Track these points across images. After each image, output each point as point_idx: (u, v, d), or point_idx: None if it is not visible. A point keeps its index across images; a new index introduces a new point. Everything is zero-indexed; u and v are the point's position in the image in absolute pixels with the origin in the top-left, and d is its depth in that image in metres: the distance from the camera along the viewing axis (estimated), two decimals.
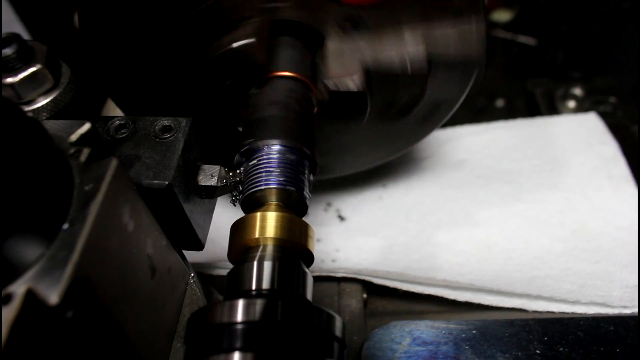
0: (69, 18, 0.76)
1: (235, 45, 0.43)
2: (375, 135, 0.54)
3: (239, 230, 0.37)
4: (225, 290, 0.36)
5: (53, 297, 0.25)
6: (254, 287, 0.33)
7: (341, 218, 0.62)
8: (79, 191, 0.29)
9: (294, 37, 0.45)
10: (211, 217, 0.41)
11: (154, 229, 0.34)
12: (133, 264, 0.32)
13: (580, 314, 0.51)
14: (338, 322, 0.33)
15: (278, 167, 0.38)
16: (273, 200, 0.37)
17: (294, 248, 0.36)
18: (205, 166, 0.39)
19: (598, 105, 0.74)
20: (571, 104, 0.75)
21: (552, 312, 0.51)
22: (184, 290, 0.40)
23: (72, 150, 0.30)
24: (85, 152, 0.30)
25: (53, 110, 0.34)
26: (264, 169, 0.38)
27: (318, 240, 0.60)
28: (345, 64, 0.45)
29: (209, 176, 0.38)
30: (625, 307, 0.51)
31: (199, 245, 0.40)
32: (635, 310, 0.51)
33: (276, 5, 0.42)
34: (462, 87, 0.50)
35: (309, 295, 0.35)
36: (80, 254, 0.26)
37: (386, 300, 0.54)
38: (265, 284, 0.33)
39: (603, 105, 0.74)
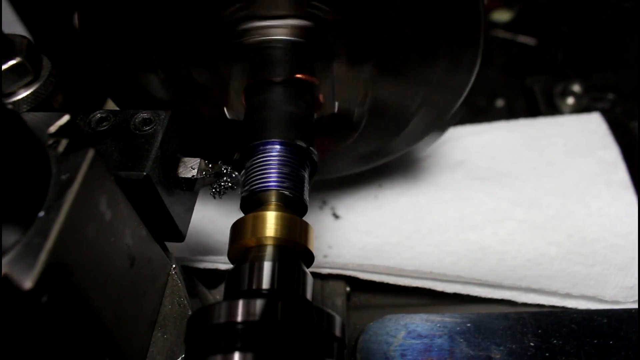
0: (69, 18, 0.77)
1: (272, 38, 0.43)
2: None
3: (238, 230, 0.37)
4: (225, 290, 0.36)
5: (27, 282, 0.25)
6: (253, 287, 0.34)
7: (336, 216, 0.62)
8: (56, 180, 0.29)
9: (314, 45, 0.45)
10: (192, 209, 0.42)
11: (132, 219, 0.35)
12: (111, 253, 0.33)
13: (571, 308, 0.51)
14: (338, 322, 0.33)
15: (278, 167, 0.38)
16: (273, 200, 0.38)
17: (294, 248, 0.36)
18: (186, 159, 0.39)
19: (596, 102, 0.74)
20: (570, 100, 0.75)
21: (542, 305, 0.52)
22: (165, 281, 0.41)
23: (50, 142, 0.31)
24: (64, 143, 0.31)
25: (33, 103, 0.34)
26: (264, 169, 0.38)
27: None
28: (352, 91, 0.47)
29: (189, 168, 0.39)
30: (617, 302, 0.51)
31: (179, 237, 0.40)
32: (628, 305, 0.51)
33: (321, 14, 0.43)
34: (410, 144, 0.55)
35: (309, 295, 0.35)
36: (54, 241, 0.27)
37: (369, 294, 0.54)
38: (265, 284, 0.33)
39: (601, 101, 0.74)
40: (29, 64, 0.34)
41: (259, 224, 0.36)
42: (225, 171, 0.40)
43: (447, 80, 0.48)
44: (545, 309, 0.51)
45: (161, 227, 0.39)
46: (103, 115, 0.38)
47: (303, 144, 0.40)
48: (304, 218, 0.39)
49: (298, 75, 0.43)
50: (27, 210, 0.28)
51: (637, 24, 0.77)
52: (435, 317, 0.47)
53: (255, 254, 0.35)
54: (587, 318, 0.46)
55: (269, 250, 0.35)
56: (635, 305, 0.51)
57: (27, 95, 0.34)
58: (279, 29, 0.43)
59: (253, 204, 0.38)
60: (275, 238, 0.35)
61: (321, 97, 0.46)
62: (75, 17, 0.43)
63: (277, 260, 0.34)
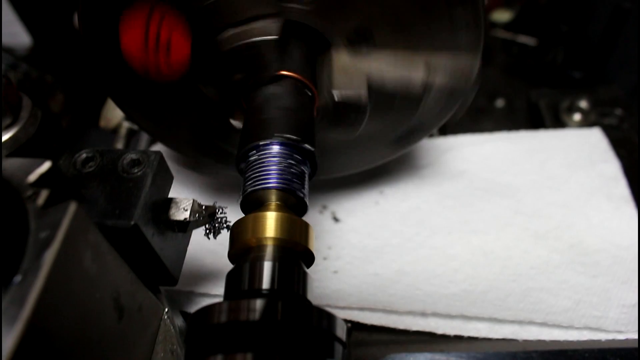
0: (69, 18, 0.76)
1: (252, 40, 0.42)
2: (350, 146, 0.54)
3: (238, 230, 0.36)
4: (225, 290, 0.35)
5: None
6: (254, 287, 0.33)
7: (336, 220, 0.61)
8: (35, 238, 0.27)
9: (300, 39, 0.44)
10: (185, 250, 0.40)
11: (121, 269, 0.33)
12: (97, 309, 0.30)
13: (572, 341, 0.49)
14: (339, 323, 0.32)
15: (278, 166, 0.37)
16: (273, 200, 0.37)
17: (294, 248, 0.36)
18: (178, 199, 0.37)
19: (604, 118, 0.73)
20: (577, 116, 0.73)
21: (544, 341, 0.49)
22: (157, 327, 0.39)
23: (30, 192, 0.29)
24: (44, 194, 0.29)
25: (13, 147, 0.32)
26: (264, 169, 0.37)
27: None
28: (352, 77, 0.45)
29: (182, 210, 0.37)
30: (619, 332, 0.49)
31: (172, 281, 0.38)
32: (630, 335, 0.49)
33: (295, 6, 0.41)
34: (443, 115, 0.51)
35: (309, 295, 0.34)
36: (32, 309, 0.25)
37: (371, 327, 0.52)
38: (265, 284, 0.33)
39: (609, 117, 0.73)
40: (7, 106, 0.32)
41: (259, 224, 0.35)
42: (219, 211, 0.38)
43: (450, 40, 0.45)
44: (554, 347, 0.49)
45: (152, 273, 0.37)
46: (89, 155, 0.35)
47: (303, 144, 0.39)
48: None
49: (302, 77, 0.42)
50: (3, 273, 0.26)
51: (637, 24, 0.77)
52: (441, 357, 0.45)
53: (255, 254, 0.34)
54: (599, 357, 0.44)
55: (269, 250, 0.34)
56: (636, 336, 0.49)
57: (6, 140, 0.32)
58: (254, 31, 0.42)
59: (253, 203, 0.37)
60: (275, 238, 0.35)
61: (315, 92, 0.45)
62: (75, 17, 0.41)
63: (277, 260, 0.34)
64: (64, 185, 0.31)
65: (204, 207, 0.37)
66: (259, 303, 0.29)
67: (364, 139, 0.52)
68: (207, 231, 0.38)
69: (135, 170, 0.34)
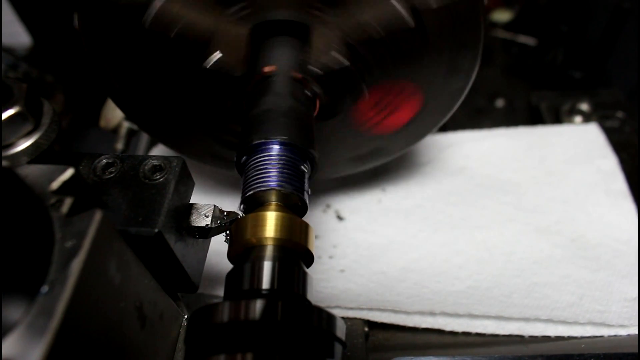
0: (69, 18, 0.76)
1: (206, 64, 0.42)
2: None
3: (239, 230, 0.36)
4: (225, 290, 0.35)
5: None
6: (254, 287, 0.33)
7: (340, 218, 0.62)
8: (60, 248, 0.26)
9: (286, 35, 0.44)
10: (205, 256, 0.39)
11: (143, 277, 0.32)
12: (121, 318, 0.30)
13: (576, 336, 0.50)
14: (339, 323, 0.32)
15: (278, 166, 0.37)
16: (273, 200, 0.36)
17: (294, 248, 0.35)
18: (199, 205, 0.37)
19: (605, 120, 0.73)
20: (578, 119, 0.73)
21: (549, 337, 0.50)
22: (177, 334, 0.38)
23: (53, 200, 0.28)
24: (68, 202, 0.28)
25: (34, 154, 0.31)
26: (264, 169, 0.37)
27: (315, 237, 0.59)
28: (325, 45, 0.43)
29: (203, 216, 0.36)
30: (622, 326, 0.50)
31: (192, 288, 0.38)
32: (632, 329, 0.50)
33: (242, 14, 0.41)
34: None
35: (309, 295, 0.34)
36: (60, 321, 0.24)
37: (388, 333, 0.51)
38: (265, 284, 0.32)
39: (610, 120, 0.73)
40: (29, 112, 0.31)
41: (259, 224, 0.35)
42: (240, 217, 0.37)
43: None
44: (559, 351, 0.48)
45: (173, 280, 0.36)
46: (109, 160, 0.35)
47: (302, 143, 0.39)
48: (306, 219, 0.37)
49: (295, 74, 0.42)
50: (29, 283, 0.25)
51: (637, 24, 0.76)
52: None
53: (255, 254, 0.34)
54: None
55: (269, 250, 0.34)
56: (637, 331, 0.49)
57: (28, 146, 0.31)
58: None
59: (253, 203, 0.37)
60: (275, 238, 0.35)
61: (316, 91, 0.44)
62: (75, 17, 0.41)
63: (277, 260, 0.34)
64: (86, 192, 0.31)
65: (225, 213, 0.37)
66: (259, 303, 0.29)
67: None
68: (227, 237, 0.38)
69: (157, 177, 0.33)
